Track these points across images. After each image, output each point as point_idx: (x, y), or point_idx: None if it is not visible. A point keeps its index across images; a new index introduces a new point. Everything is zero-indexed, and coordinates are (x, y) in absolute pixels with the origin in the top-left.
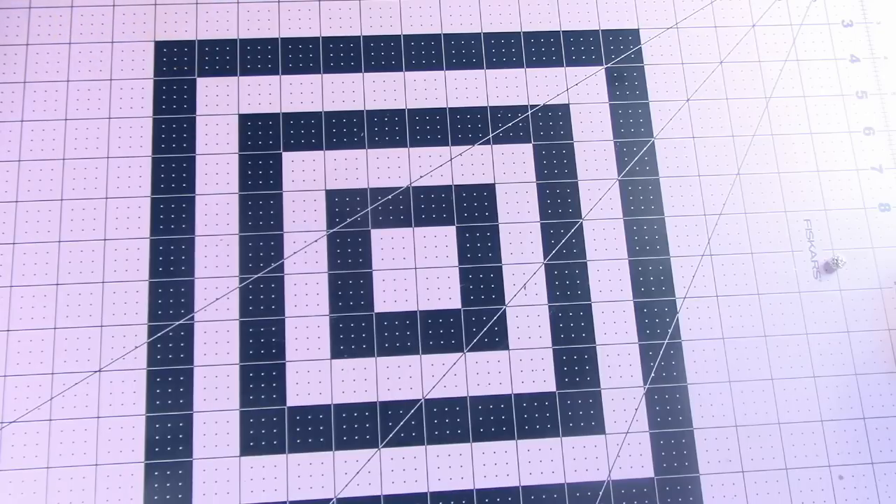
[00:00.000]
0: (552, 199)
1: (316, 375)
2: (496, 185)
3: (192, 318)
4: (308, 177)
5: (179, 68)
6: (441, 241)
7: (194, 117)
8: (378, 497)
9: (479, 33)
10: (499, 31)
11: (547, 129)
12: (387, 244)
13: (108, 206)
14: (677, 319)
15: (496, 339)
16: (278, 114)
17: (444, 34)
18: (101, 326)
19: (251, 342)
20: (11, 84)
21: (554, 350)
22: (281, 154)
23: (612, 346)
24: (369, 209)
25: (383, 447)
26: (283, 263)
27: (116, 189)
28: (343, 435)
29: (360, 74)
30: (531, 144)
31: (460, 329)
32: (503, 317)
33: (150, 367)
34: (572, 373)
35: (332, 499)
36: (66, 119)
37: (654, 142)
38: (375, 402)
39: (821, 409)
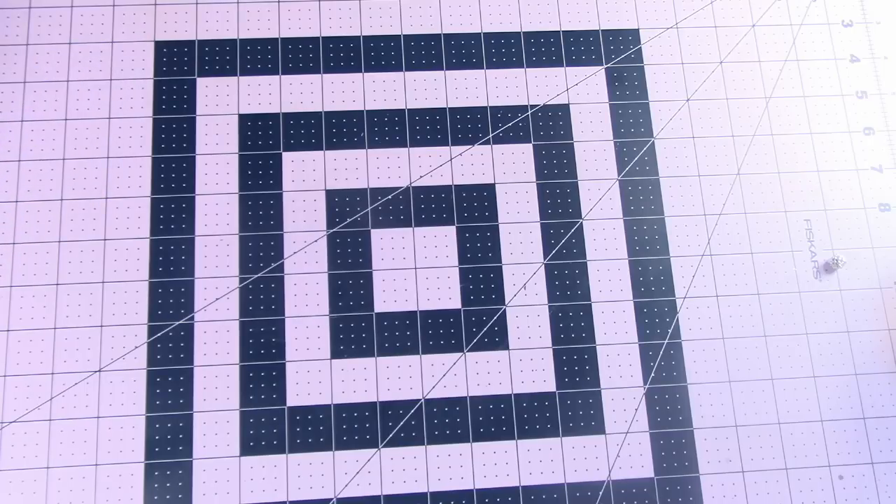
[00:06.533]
0: (552, 199)
1: (316, 375)
2: (496, 185)
3: (192, 318)
4: (308, 177)
5: (179, 68)
6: (441, 241)
7: (194, 117)
8: (378, 497)
9: (479, 33)
10: (499, 31)
11: (547, 129)
12: (387, 244)
13: (108, 206)
14: (677, 319)
15: (496, 339)
16: (278, 114)
17: (444, 34)
18: (101, 326)
19: (251, 342)
20: (11, 84)
21: (554, 350)
22: (281, 154)
23: (612, 346)
24: (369, 209)
25: (383, 447)
26: (283, 263)
27: (116, 189)
28: (343, 435)
29: (360, 74)
30: (531, 144)
31: (460, 329)
32: (503, 317)
33: (150, 367)
34: (572, 373)
35: (332, 499)
36: (66, 119)
37: (654, 142)
38: (375, 402)
39: (821, 409)
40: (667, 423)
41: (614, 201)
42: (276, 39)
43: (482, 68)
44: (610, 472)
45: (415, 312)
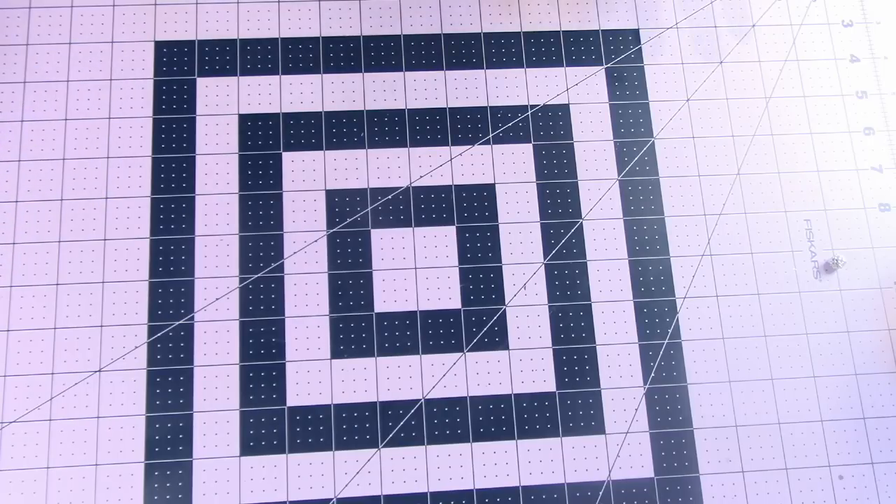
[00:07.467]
0: (552, 199)
1: (316, 375)
2: (496, 185)
3: (192, 318)
4: (308, 177)
5: (179, 68)
6: (441, 241)
7: (194, 117)
8: (378, 497)
9: (479, 33)
10: (499, 31)
11: (547, 129)
12: (387, 244)
13: (108, 206)
14: (677, 319)
15: (496, 339)
16: (278, 114)
17: (444, 34)
18: (101, 326)
19: (251, 342)
20: (11, 84)
21: (554, 350)
22: (281, 154)
23: (612, 346)
24: (369, 209)
25: (383, 447)
26: (283, 263)
27: (116, 189)
28: (343, 435)
29: (360, 74)
30: (531, 144)
31: (460, 329)
32: (503, 317)
33: (150, 367)
34: (572, 373)
35: (332, 499)
36: (66, 119)
37: (654, 142)
38: (375, 402)
39: (821, 409)
40: (667, 423)
41: (614, 201)
42: (276, 39)
43: (482, 68)
44: (610, 472)
45: (415, 312)
